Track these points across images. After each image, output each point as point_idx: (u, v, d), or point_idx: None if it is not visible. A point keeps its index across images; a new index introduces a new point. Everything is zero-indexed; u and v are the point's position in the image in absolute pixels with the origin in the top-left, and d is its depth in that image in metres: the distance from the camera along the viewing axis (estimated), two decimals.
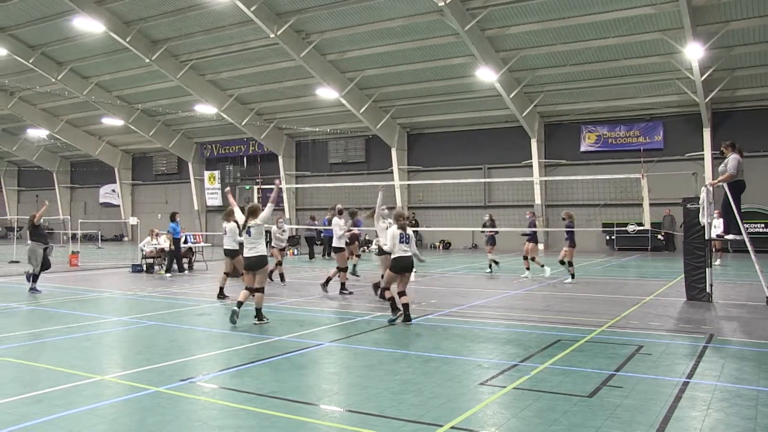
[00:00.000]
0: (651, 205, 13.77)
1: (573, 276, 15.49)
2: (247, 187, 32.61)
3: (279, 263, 15.60)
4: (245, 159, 39.03)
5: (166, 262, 18.78)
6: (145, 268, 18.89)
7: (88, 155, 44.07)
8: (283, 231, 15.45)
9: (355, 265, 15.87)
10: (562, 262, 15.80)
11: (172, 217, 19.00)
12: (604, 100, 28.39)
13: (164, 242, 19.69)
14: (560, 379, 6.40)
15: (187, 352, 7.73)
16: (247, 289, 9.88)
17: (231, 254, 13.21)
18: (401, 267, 9.99)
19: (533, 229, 15.90)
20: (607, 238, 29.09)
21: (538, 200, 30.20)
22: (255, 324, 9.49)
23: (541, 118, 30.66)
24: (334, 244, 13.44)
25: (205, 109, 32.54)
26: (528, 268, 16.70)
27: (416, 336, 8.74)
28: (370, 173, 34.66)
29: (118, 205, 44.81)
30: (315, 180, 35.96)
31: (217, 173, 39.61)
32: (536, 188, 29.86)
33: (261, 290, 9.83)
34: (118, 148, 43.98)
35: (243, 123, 34.26)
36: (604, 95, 28.12)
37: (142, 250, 19.48)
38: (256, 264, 9.78)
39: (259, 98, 33.59)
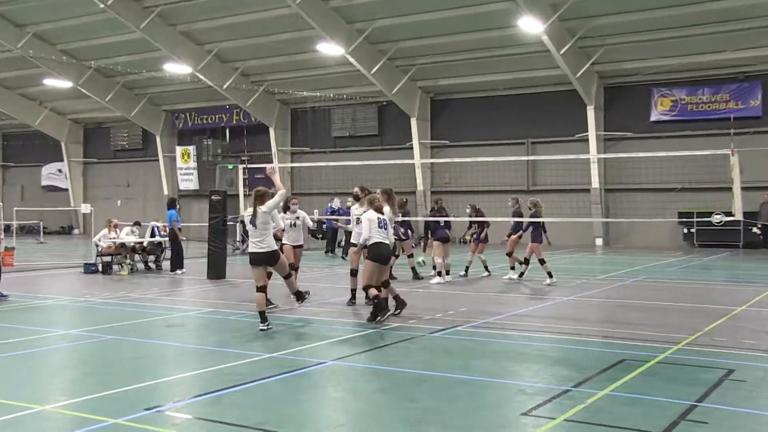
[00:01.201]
0: (743, 189, 13.61)
1: (550, 275, 16.07)
2: (230, 166, 32.70)
3: (295, 268, 13.32)
4: (228, 131, 39.23)
5: (148, 259, 19.68)
6: (101, 269, 19.04)
7: (26, 126, 44.22)
8: (296, 218, 13.42)
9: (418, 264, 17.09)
10: (526, 260, 16.62)
11: (171, 204, 19.57)
12: (682, 55, 28.04)
13: (127, 236, 19.84)
14: (625, 410, 6.34)
15: (155, 374, 7.77)
16: (259, 290, 10.33)
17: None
18: (381, 255, 10.92)
19: (533, 220, 15.97)
20: (685, 231, 28.90)
21: (594, 183, 30.08)
22: (299, 305, 11.05)
23: (601, 80, 30.43)
24: (352, 239, 13.13)
25: (177, 68, 32.65)
26: (512, 267, 16.98)
27: (442, 353, 8.74)
28: (385, 149, 34.67)
29: (66, 189, 45.21)
30: (315, 158, 35.99)
31: (192, 149, 39.85)
32: (593, 168, 29.71)
33: (289, 275, 10.71)
34: (65, 116, 44.28)
35: (225, 86, 34.36)
36: (683, 48, 27.77)
37: (97, 246, 19.63)
38: (267, 260, 10.37)
39: (245, 55, 33.66)
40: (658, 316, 11.59)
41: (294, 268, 13.20)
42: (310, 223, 14.14)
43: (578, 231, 30.77)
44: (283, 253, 13.11)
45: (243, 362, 8.21)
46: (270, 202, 10.36)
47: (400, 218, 17.15)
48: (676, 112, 29.55)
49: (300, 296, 11.05)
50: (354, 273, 13.02)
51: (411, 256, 17.34)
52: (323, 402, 6.78)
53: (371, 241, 11.10)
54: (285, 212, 13.20)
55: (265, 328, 10.12)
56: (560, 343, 9.36)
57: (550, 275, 16.09)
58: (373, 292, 10.92)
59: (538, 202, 16.54)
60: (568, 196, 29.63)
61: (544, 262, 16.27)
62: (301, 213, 13.64)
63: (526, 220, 16.56)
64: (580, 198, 29.81)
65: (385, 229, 11.17)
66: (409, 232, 17.83)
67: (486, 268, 17.75)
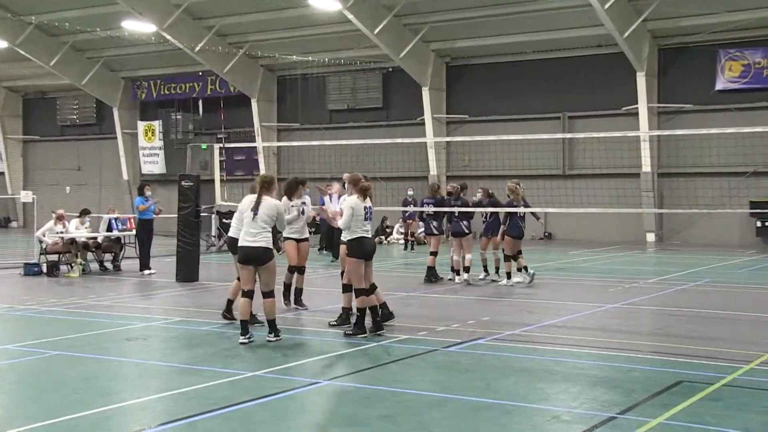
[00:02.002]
0: None
1: (509, 276, 16.53)
2: (204, 146, 32.77)
3: (296, 270, 13.29)
4: (201, 104, 39.26)
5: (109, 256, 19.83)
6: (45, 270, 19.07)
7: None
8: (303, 204, 12.97)
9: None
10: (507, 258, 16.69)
11: (141, 190, 19.45)
12: (755, 8, 27.84)
13: (78, 230, 19.85)
14: None
15: (111, 397, 7.77)
16: (245, 295, 10.37)
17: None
18: (366, 251, 10.87)
19: (535, 209, 16.09)
20: (758, 224, 28.82)
21: (646, 166, 30.01)
22: (270, 341, 10.14)
23: (654, 40, 30.35)
24: (343, 237, 12.68)
25: (139, 26, 32.63)
26: (520, 269, 16.76)
27: (460, 371, 8.74)
28: (391, 125, 34.69)
29: (2, 173, 45.34)
30: (307, 136, 36.02)
31: (157, 125, 39.95)
32: (644, 148, 29.61)
33: (272, 294, 10.34)
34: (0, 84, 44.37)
35: (197, 49, 34.39)
36: (757, 0, 27.54)
37: (41, 242, 19.65)
38: (258, 257, 10.23)
39: (221, 10, 33.66)
40: (723, 328, 11.56)
41: (299, 270, 13.13)
42: (312, 213, 13.66)
43: (625, 224, 30.77)
44: (285, 250, 13.07)
45: (219, 382, 8.21)
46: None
47: (431, 208, 17.49)
48: (748, 79, 29.40)
49: (275, 329, 10.25)
50: (347, 288, 11.63)
51: (434, 254, 17.33)
52: (316, 431, 6.79)
53: (355, 235, 10.83)
54: (290, 199, 12.59)
55: (245, 341, 10.13)
56: (603, 360, 9.34)
57: (509, 276, 16.49)
58: (363, 302, 10.74)
59: (517, 186, 16.69)
60: (613, 181, 29.63)
61: (516, 259, 16.57)
62: (308, 198, 13.34)
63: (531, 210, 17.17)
64: (628, 184, 29.79)
65: (370, 221, 11.05)
66: (440, 226, 17.73)
67: (485, 268, 17.68)
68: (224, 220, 27.15)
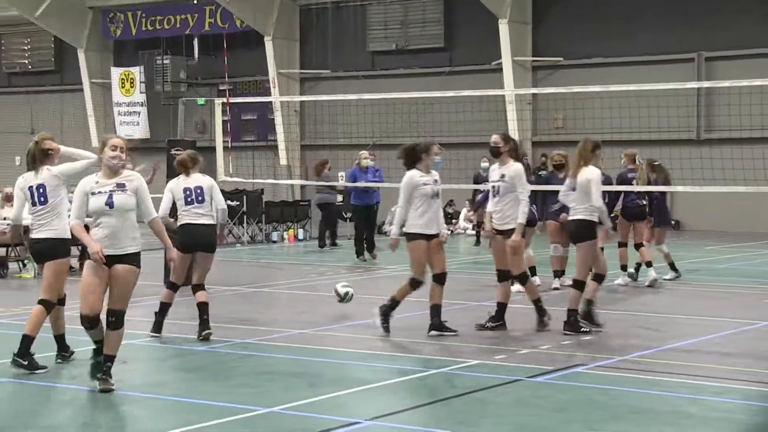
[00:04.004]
0: None
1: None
2: (201, 101, 32.91)
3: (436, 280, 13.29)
4: (196, 43, 39.31)
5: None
6: None
7: None
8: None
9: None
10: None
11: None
12: None
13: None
14: None
15: None
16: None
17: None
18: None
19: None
20: None
21: None
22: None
23: None
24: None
25: None
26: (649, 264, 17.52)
27: (552, 410, 8.71)
28: (455, 72, 34.51)
29: None
30: (340, 86, 35.97)
31: (138, 72, 40.10)
32: None
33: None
34: None
35: None
36: None
37: None
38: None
39: None
40: None
41: (439, 279, 12.82)
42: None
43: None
44: (409, 252, 13.03)
45: (224, 421, 8.27)
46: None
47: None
48: None
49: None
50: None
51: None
52: None
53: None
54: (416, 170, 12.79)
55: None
56: (756, 400, 9.27)
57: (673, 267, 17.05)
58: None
59: (662, 164, 17.46)
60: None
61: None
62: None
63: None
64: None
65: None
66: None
67: (672, 266, 18.08)
68: (229, 202, 27.27)
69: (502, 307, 12.88)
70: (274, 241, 27.60)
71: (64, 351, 10.86)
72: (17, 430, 8.11)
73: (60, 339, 10.87)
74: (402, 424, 8.34)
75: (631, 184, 17.23)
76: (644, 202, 17.49)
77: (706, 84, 29.16)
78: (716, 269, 19.98)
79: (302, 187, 35.17)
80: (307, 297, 16.41)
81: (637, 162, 17.51)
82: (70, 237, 10.33)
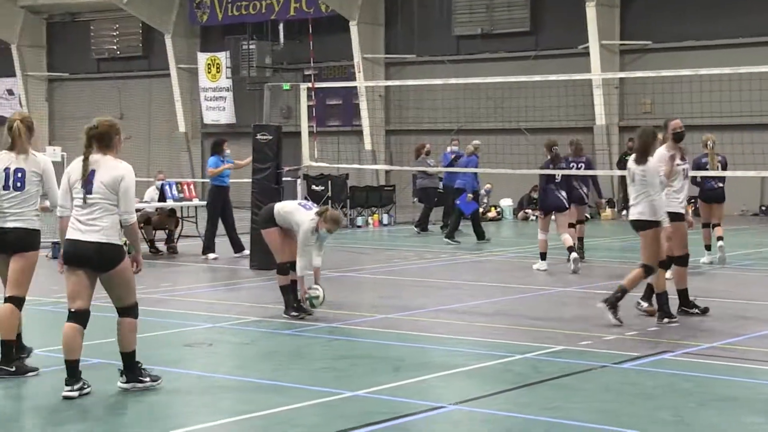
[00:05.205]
0: None
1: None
2: (286, 86, 33.01)
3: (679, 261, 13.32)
4: (281, 28, 39.47)
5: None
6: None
7: None
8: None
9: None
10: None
11: (218, 147, 20.08)
12: None
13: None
14: None
15: (170, 421, 8.01)
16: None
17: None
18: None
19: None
20: None
21: None
22: (124, 389, 8.80)
23: None
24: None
25: None
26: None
27: (639, 397, 8.67)
28: (540, 56, 34.28)
29: None
30: (426, 71, 35.94)
31: (224, 57, 40.37)
32: None
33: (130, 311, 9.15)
34: (16, 3, 45.12)
35: None
36: None
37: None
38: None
39: None
40: None
41: (683, 260, 12.91)
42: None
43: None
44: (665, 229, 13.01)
45: (308, 404, 8.34)
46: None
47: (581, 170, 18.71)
48: None
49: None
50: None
51: (576, 224, 18.72)
52: None
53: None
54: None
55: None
56: None
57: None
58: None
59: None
60: None
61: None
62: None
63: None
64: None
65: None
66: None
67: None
68: (314, 187, 27.43)
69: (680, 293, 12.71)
70: (359, 226, 27.69)
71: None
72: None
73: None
74: (486, 409, 8.33)
75: (705, 169, 17.59)
76: (721, 185, 18.03)
77: None
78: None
79: (387, 172, 35.23)
80: (392, 282, 16.47)
81: (708, 146, 17.88)
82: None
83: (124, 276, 8.74)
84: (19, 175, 9.57)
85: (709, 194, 18.13)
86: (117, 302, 8.82)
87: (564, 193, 17.97)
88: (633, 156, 12.31)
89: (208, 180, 20.15)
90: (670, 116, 27.61)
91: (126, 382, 8.63)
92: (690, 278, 13.15)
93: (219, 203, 19.79)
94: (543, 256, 17.58)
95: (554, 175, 17.99)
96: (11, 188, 9.54)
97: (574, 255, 17.31)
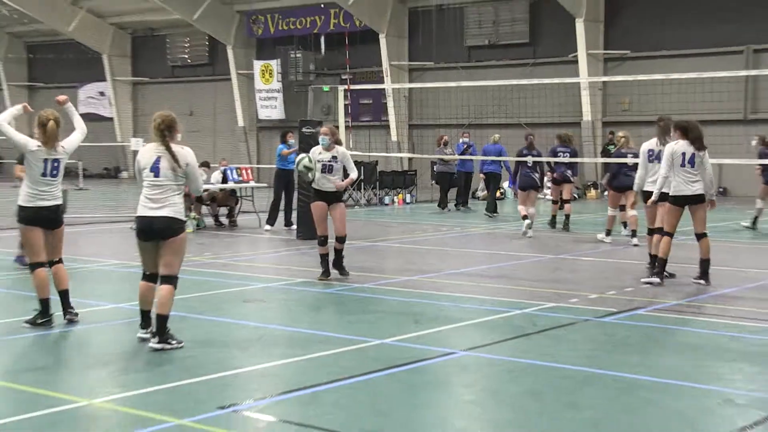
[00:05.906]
0: None
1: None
2: (326, 88, 33.09)
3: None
4: (323, 40, 39.50)
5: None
6: None
7: (56, 33, 45.80)
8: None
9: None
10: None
11: (284, 137, 20.16)
12: None
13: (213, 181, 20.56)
14: None
15: (228, 363, 8.10)
16: (147, 278, 8.89)
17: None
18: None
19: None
20: None
21: None
22: (155, 348, 8.45)
23: None
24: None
25: None
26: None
27: (615, 345, 8.76)
28: (539, 63, 34.16)
29: (110, 119, 46.91)
30: (442, 75, 35.94)
31: (275, 64, 40.43)
32: None
33: (173, 280, 8.78)
34: (106, 20, 45.63)
35: None
36: None
37: None
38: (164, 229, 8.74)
39: None
40: None
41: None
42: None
43: None
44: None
45: (344, 350, 8.47)
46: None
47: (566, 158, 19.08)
48: None
49: (162, 333, 8.56)
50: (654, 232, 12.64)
51: (568, 201, 19.31)
52: (450, 406, 6.91)
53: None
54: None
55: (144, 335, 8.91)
56: None
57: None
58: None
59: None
60: None
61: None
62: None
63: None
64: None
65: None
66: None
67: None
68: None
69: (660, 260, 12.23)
70: (386, 204, 27.72)
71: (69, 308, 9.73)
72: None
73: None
74: (492, 354, 8.42)
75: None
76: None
77: (753, 72, 28.42)
78: (763, 231, 19.54)
79: (410, 159, 35.30)
80: (413, 250, 16.50)
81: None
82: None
83: (180, 246, 8.74)
84: (56, 164, 9.54)
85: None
86: (166, 268, 8.59)
87: (537, 175, 18.74)
88: (678, 142, 12.07)
89: (274, 166, 20.24)
90: (645, 114, 27.49)
91: (158, 342, 8.47)
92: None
93: (283, 183, 19.90)
94: (525, 218, 18.00)
95: (526, 161, 18.67)
96: (48, 175, 9.47)
97: (527, 222, 17.95)
